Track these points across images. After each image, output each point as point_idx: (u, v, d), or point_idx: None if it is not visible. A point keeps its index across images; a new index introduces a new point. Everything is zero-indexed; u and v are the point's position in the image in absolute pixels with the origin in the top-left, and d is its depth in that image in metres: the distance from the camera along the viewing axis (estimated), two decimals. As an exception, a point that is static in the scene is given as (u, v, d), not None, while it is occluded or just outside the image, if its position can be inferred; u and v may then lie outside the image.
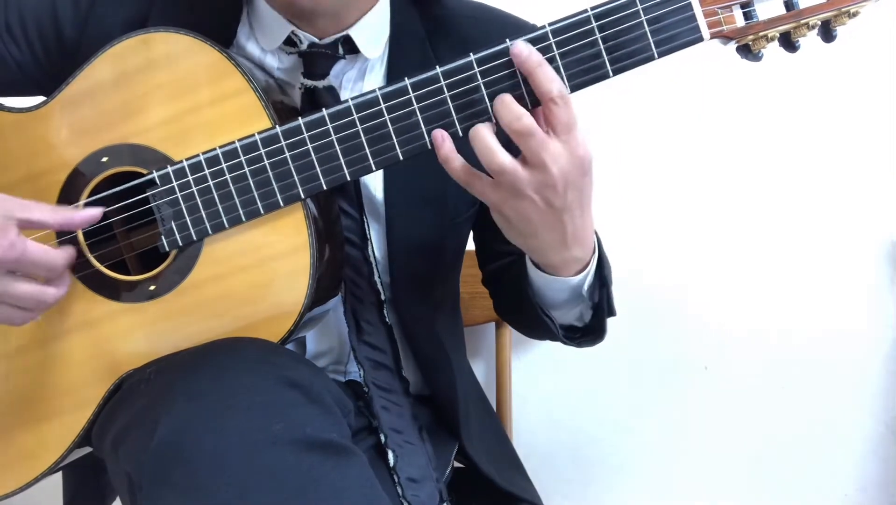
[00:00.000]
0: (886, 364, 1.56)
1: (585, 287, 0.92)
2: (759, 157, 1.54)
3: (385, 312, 1.00)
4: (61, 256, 0.83)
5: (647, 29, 0.78)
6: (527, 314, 1.00)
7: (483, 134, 0.78)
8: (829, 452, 1.60)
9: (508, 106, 0.77)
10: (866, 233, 1.53)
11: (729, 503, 1.64)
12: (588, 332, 1.02)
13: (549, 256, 0.88)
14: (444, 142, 0.80)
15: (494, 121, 0.79)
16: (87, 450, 0.95)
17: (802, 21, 0.78)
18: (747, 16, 0.79)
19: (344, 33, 0.93)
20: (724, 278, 1.58)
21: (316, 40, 0.93)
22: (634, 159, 1.57)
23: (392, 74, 0.98)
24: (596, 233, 0.91)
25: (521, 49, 0.77)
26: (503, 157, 0.77)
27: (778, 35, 0.80)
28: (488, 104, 0.80)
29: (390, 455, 0.97)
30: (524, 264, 0.95)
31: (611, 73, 0.79)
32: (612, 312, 0.98)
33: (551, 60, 0.79)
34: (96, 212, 0.86)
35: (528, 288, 0.96)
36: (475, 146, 0.78)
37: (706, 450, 1.64)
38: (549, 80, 0.76)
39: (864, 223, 1.53)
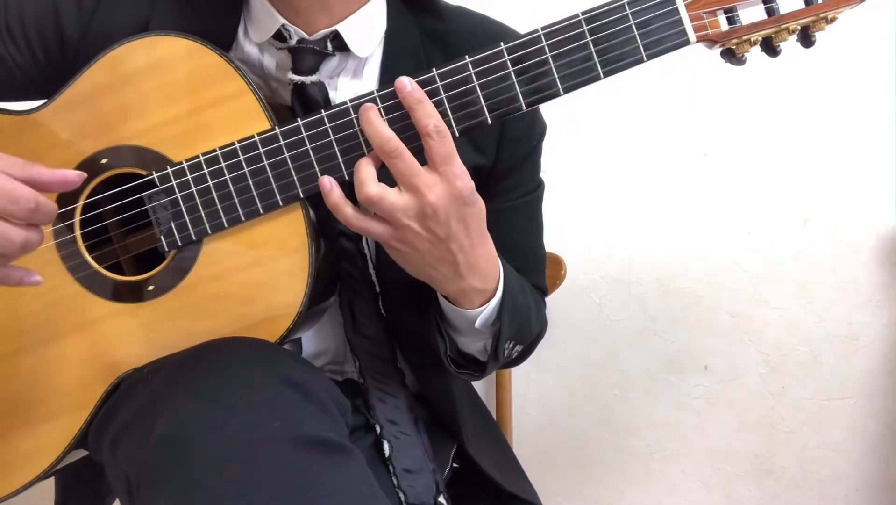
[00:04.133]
0: (886, 364, 1.56)
1: (478, 323, 0.93)
2: (758, 156, 1.54)
3: (380, 304, 1.01)
4: (47, 201, 0.76)
5: (636, 33, 0.80)
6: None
7: (361, 167, 0.82)
8: (830, 452, 1.61)
9: (375, 125, 0.81)
10: (866, 233, 1.53)
11: (728, 504, 1.64)
12: (477, 364, 1.02)
13: (446, 287, 0.90)
14: (332, 189, 0.83)
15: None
16: (84, 453, 0.96)
17: (783, 26, 0.81)
18: (731, 20, 0.81)
19: (333, 29, 0.93)
20: (723, 278, 1.58)
21: (305, 36, 0.93)
22: (632, 160, 1.57)
23: (386, 78, 0.99)
24: (516, 278, 0.94)
25: (405, 85, 0.81)
26: (371, 187, 0.81)
27: (760, 39, 0.83)
28: (483, 105, 0.82)
29: (385, 446, 0.97)
30: None
31: (602, 75, 0.81)
32: (497, 358, 0.98)
33: (544, 63, 0.81)
34: (73, 175, 0.78)
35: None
36: (355, 179, 0.82)
37: (706, 450, 1.64)
38: (428, 115, 0.80)
39: (864, 223, 1.53)
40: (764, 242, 1.56)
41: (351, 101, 0.83)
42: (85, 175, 0.79)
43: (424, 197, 0.79)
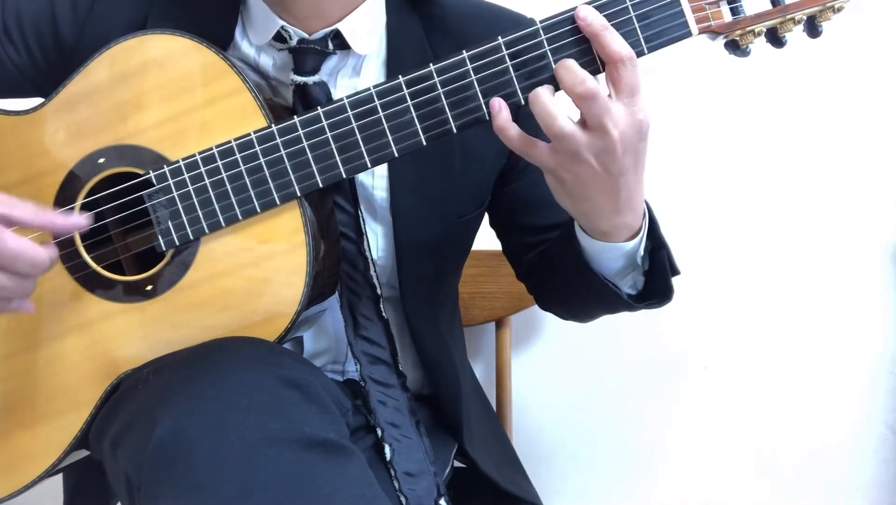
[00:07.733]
0: (886, 364, 1.56)
1: (640, 252, 0.92)
2: (759, 156, 1.54)
3: (382, 306, 1.00)
4: (45, 252, 0.80)
5: (636, 25, 0.79)
6: (579, 290, 0.98)
7: (543, 99, 0.78)
8: (830, 452, 1.60)
9: (572, 69, 0.77)
10: (866, 233, 1.53)
11: (728, 503, 1.64)
12: (650, 295, 0.98)
13: (598, 222, 0.87)
14: (500, 111, 0.81)
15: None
16: (86, 452, 0.95)
17: (788, 16, 0.80)
18: (734, 11, 0.80)
19: (333, 28, 0.93)
20: (724, 278, 1.58)
21: (305, 36, 0.93)
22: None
23: (391, 73, 0.99)
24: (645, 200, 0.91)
25: (586, 14, 0.78)
26: (564, 122, 0.77)
27: (765, 30, 0.82)
28: (481, 101, 0.82)
29: (387, 449, 0.97)
30: (570, 238, 0.94)
31: (601, 69, 0.80)
32: (675, 272, 0.96)
33: (542, 57, 0.80)
34: (83, 220, 0.83)
35: (582, 257, 0.94)
36: (535, 110, 0.79)
37: (705, 450, 1.63)
38: (619, 41, 0.77)
39: (864, 223, 1.53)
40: (764, 242, 1.56)
41: (347, 97, 0.83)
42: (92, 219, 0.85)
43: (610, 134, 0.77)
